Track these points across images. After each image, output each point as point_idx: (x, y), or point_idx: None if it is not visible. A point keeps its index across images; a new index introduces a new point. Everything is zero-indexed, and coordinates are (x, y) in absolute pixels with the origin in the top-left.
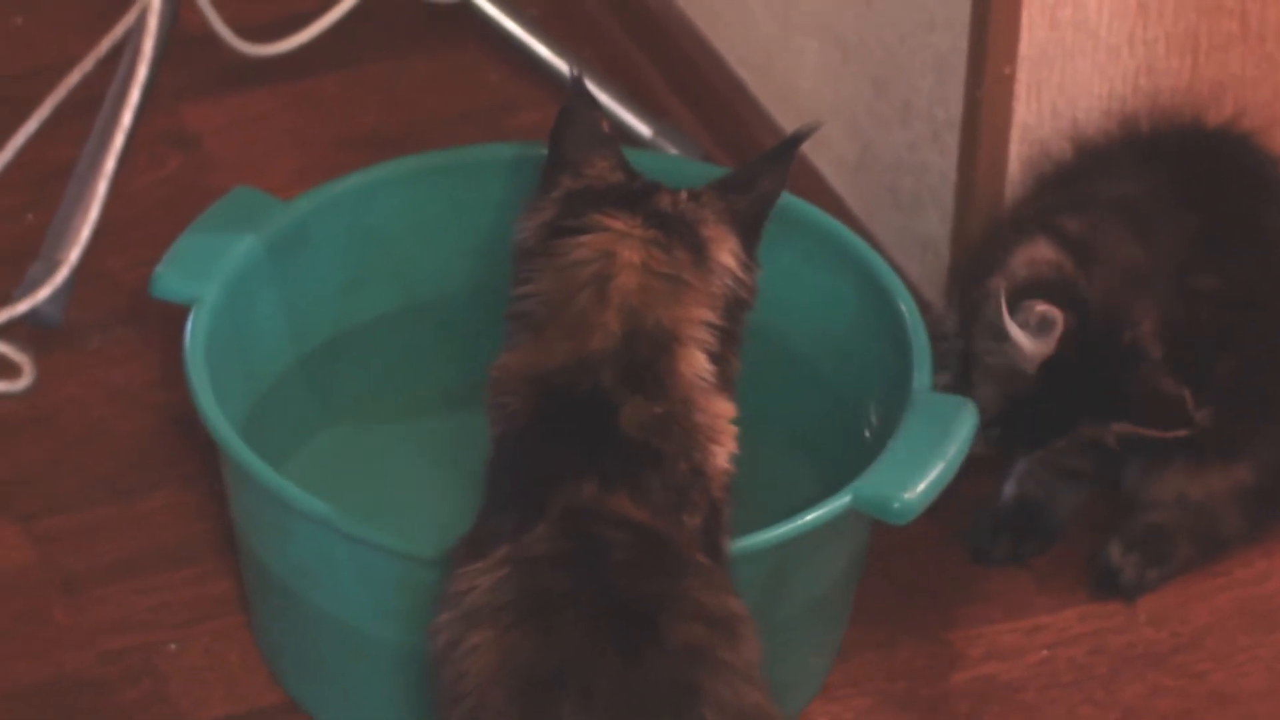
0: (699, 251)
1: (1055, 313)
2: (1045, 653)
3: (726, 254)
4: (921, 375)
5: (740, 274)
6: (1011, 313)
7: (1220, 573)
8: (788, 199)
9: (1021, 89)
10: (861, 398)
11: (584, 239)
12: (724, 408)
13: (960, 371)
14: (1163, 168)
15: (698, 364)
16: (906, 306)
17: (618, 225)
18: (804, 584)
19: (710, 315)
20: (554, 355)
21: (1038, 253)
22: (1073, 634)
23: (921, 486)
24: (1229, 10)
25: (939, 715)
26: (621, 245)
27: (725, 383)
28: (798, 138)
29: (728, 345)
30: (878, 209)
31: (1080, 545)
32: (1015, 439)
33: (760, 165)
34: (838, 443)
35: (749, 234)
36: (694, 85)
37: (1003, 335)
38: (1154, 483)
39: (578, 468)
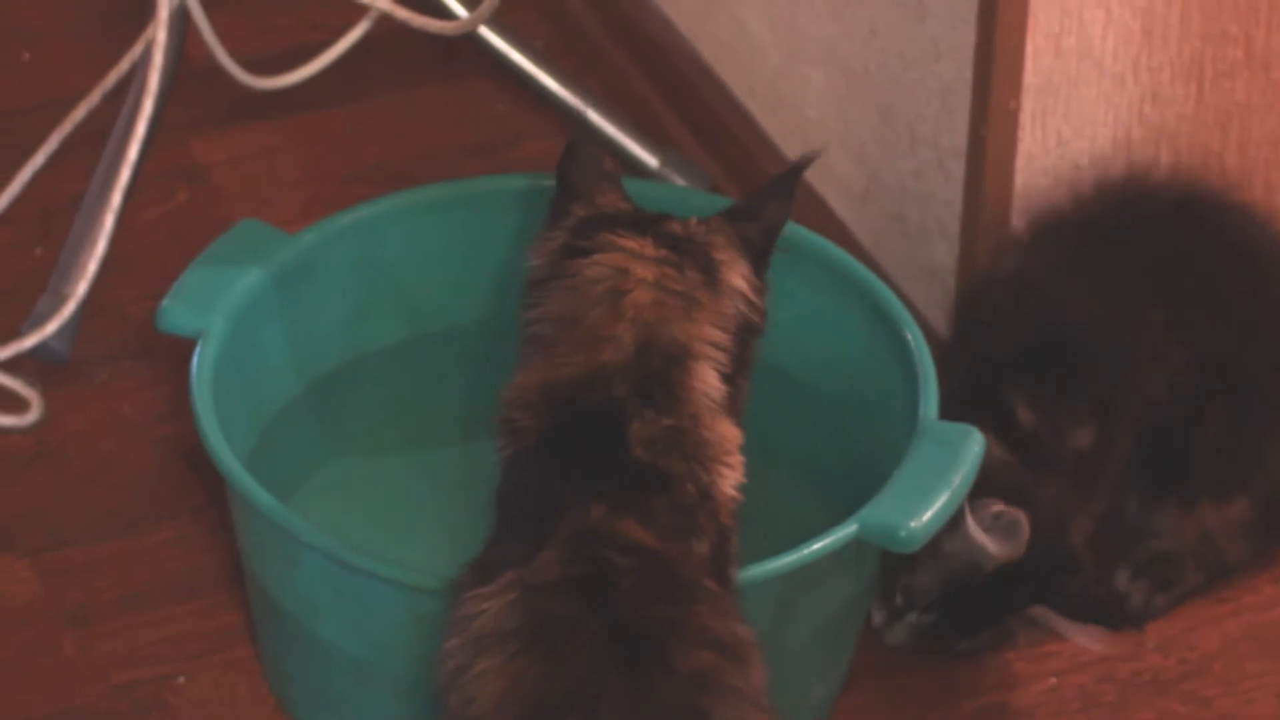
0: (710, 273)
1: (1019, 515)
2: (1053, 680)
3: (737, 277)
4: (927, 404)
5: (751, 297)
6: (970, 509)
7: (1228, 599)
8: (794, 228)
9: (1026, 118)
10: (867, 426)
11: (597, 257)
12: (731, 431)
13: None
14: (1122, 259)
15: (709, 381)
16: (913, 335)
17: (630, 245)
18: (811, 613)
19: (721, 336)
20: (565, 368)
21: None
22: (1081, 661)
23: (928, 515)
24: (1234, 37)
25: None
26: (634, 263)
27: (734, 408)
28: (800, 165)
29: (738, 369)
30: (884, 238)
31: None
32: (953, 626)
33: (765, 194)
34: (843, 471)
35: (758, 260)
36: (700, 116)
37: (966, 538)
38: (1155, 516)
39: (585, 490)
